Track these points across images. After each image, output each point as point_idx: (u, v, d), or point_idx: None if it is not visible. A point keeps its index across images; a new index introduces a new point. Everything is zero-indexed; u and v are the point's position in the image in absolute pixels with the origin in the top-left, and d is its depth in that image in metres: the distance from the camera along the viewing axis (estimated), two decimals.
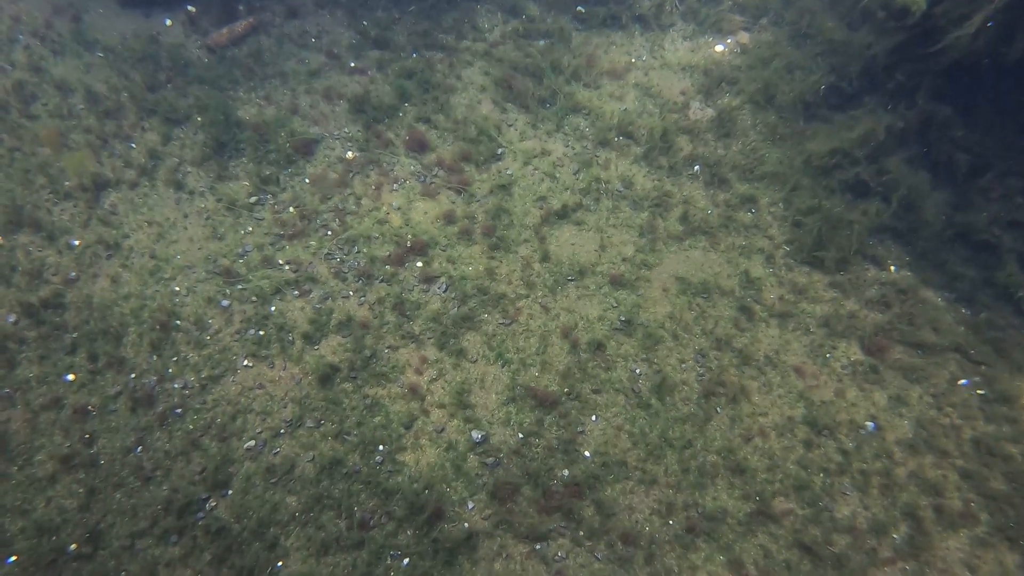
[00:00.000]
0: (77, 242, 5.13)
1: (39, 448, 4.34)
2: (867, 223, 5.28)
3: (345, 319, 4.89)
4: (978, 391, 4.77)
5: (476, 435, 4.46)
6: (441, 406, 4.58)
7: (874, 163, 5.33)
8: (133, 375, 4.63)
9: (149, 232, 5.24)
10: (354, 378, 4.67)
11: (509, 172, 5.61)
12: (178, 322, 4.84)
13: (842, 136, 5.46)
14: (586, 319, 4.94)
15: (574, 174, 5.63)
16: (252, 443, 4.42)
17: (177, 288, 4.99)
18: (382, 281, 5.07)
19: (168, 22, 6.42)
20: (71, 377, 4.59)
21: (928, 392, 4.78)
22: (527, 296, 5.02)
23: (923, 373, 4.83)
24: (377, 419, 4.52)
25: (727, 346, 4.88)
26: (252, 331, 4.83)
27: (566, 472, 4.36)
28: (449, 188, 5.51)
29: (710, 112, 6.05)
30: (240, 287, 5.00)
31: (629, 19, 6.66)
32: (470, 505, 4.25)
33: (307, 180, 5.55)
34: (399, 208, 5.41)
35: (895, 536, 4.24)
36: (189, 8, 6.43)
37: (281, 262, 5.14)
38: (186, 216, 5.34)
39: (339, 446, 4.42)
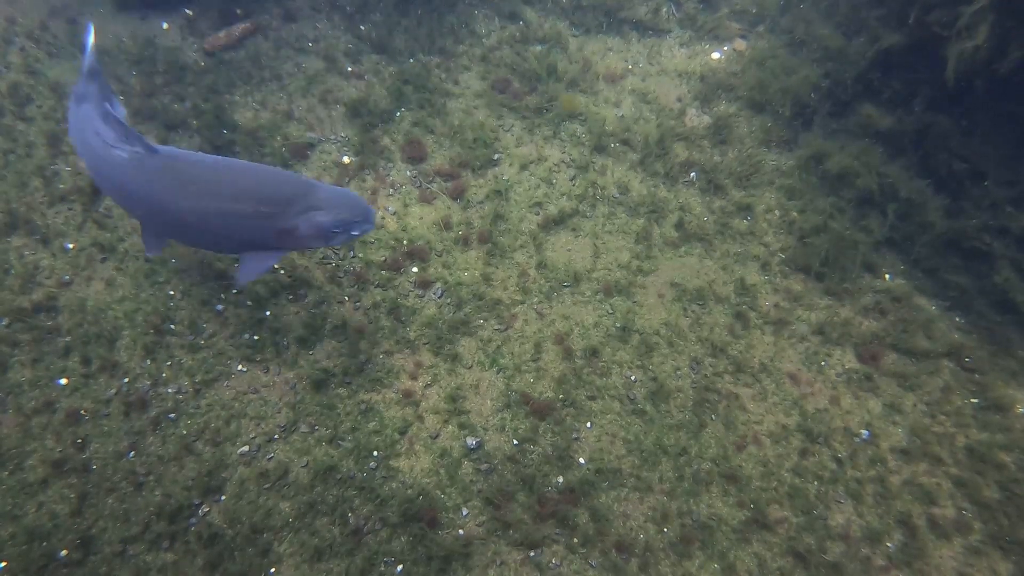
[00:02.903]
0: (71, 245, 5.11)
1: (30, 452, 4.31)
2: (871, 241, 5.29)
3: (340, 324, 4.88)
4: (972, 399, 4.78)
5: (471, 441, 4.45)
6: (436, 412, 4.57)
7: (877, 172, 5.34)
8: (127, 379, 4.61)
9: None
10: (348, 383, 4.66)
11: (505, 178, 5.61)
12: (172, 326, 4.82)
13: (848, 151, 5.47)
14: (581, 325, 4.94)
15: (570, 180, 5.64)
16: (246, 448, 4.41)
17: (172, 292, 4.97)
18: (377, 286, 5.07)
19: (165, 25, 6.41)
20: (64, 381, 4.57)
21: (922, 400, 4.79)
22: (523, 302, 5.02)
23: (917, 381, 4.85)
24: (371, 425, 4.51)
25: (722, 353, 4.89)
26: (247, 335, 4.82)
27: (560, 479, 4.35)
28: (445, 194, 5.51)
29: (706, 119, 6.07)
30: (235, 291, 4.98)
31: (627, 25, 6.67)
32: (464, 512, 4.24)
33: None
34: (395, 213, 5.41)
35: (889, 544, 4.24)
36: (187, 11, 6.42)
37: (276, 266, 5.13)
38: None
39: (333, 452, 4.40)
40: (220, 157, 3.98)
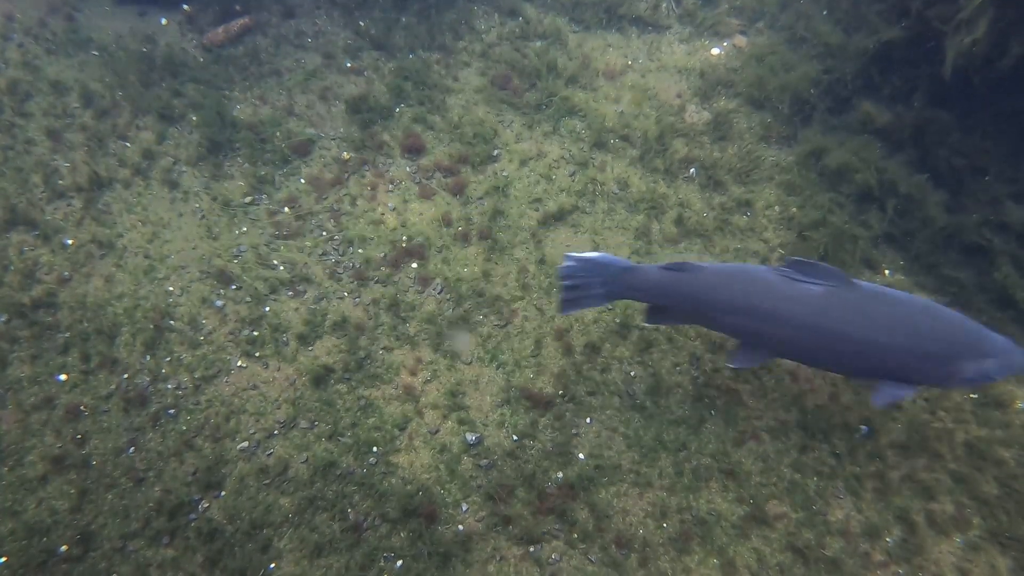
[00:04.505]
0: (70, 241, 5.11)
1: (30, 448, 4.32)
2: (870, 236, 5.29)
3: (340, 320, 4.88)
4: (971, 395, 4.79)
5: (470, 437, 4.46)
6: (435, 408, 4.57)
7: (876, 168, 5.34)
8: (126, 375, 4.61)
9: (143, 231, 5.22)
10: (348, 379, 4.66)
11: (505, 174, 5.61)
12: (172, 322, 4.82)
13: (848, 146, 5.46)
14: (581, 321, 4.94)
15: (570, 176, 5.63)
16: (245, 444, 4.41)
17: (171, 288, 4.97)
18: (377, 282, 5.07)
19: (164, 21, 6.40)
20: (63, 377, 4.57)
21: (921, 395, 4.79)
22: (522, 298, 5.02)
23: None
24: (371, 420, 4.51)
25: (721, 349, 4.89)
26: (246, 331, 4.82)
27: (560, 475, 4.36)
28: (444, 190, 5.51)
29: (706, 115, 6.06)
30: (234, 287, 4.98)
31: (627, 21, 6.66)
32: (464, 507, 4.24)
33: (302, 180, 5.54)
34: (395, 209, 5.40)
35: (888, 540, 4.25)
36: (185, 7, 6.41)
37: (276, 262, 5.13)
38: (180, 216, 5.33)
39: (333, 447, 4.41)
40: (903, 293, 4.01)
